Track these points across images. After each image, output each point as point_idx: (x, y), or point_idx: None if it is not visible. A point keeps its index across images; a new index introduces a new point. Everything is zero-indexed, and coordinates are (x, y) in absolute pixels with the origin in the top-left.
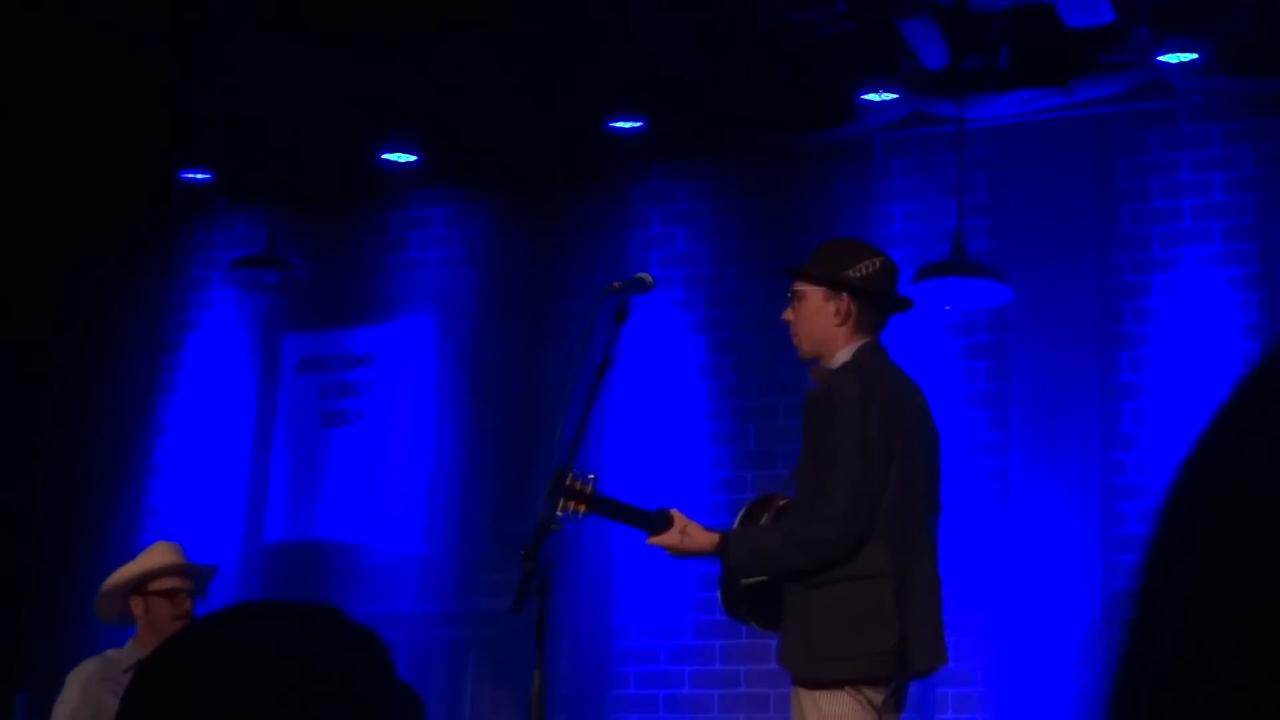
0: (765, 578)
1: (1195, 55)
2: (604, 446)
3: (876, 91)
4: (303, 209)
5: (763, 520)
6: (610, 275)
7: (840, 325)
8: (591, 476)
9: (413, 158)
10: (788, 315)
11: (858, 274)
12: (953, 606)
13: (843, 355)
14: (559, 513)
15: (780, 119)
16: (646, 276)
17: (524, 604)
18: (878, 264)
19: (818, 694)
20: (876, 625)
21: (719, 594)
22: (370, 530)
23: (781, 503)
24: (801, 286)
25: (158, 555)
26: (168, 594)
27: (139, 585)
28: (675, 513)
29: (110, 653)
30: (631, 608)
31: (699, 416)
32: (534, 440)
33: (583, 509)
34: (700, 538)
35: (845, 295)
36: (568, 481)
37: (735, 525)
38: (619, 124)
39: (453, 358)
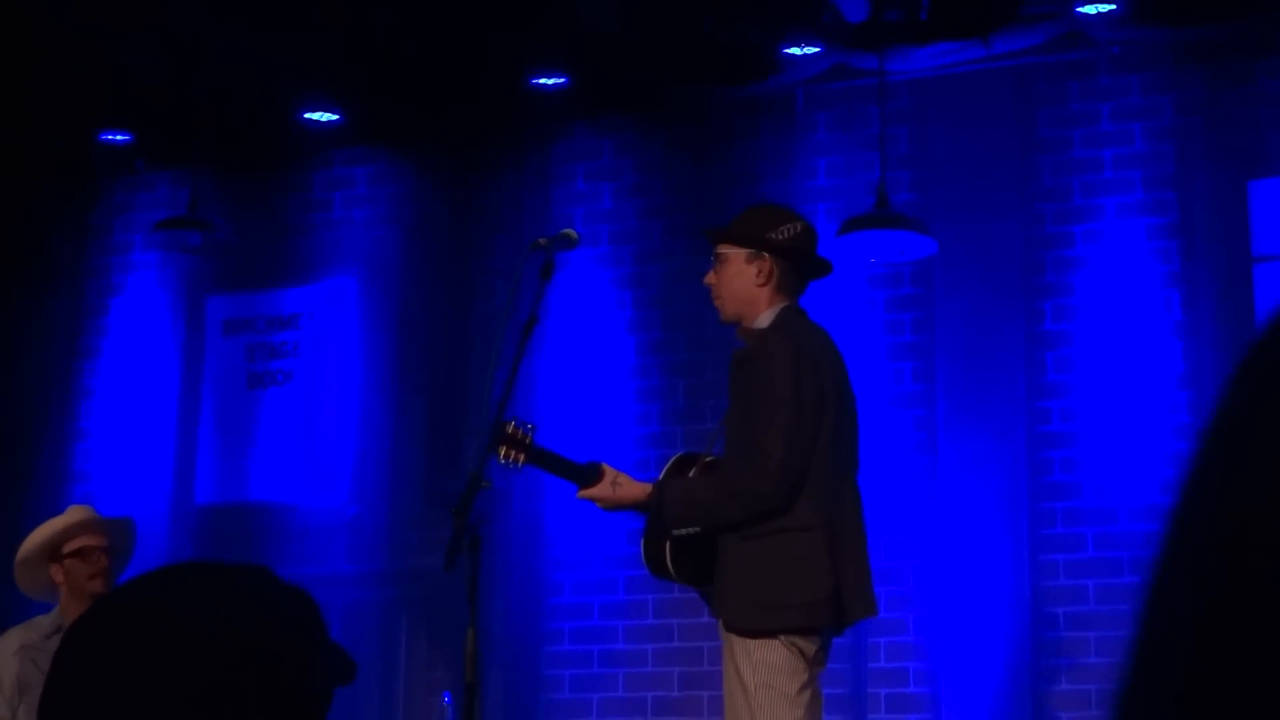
0: (698, 529)
1: (1113, 6)
2: (533, 403)
3: (799, 45)
4: (225, 170)
5: (690, 475)
6: (535, 232)
7: (763, 286)
8: (531, 426)
9: (334, 116)
10: (710, 278)
11: (780, 236)
12: (884, 556)
13: (766, 317)
14: (502, 460)
15: (703, 74)
16: (572, 233)
17: (456, 562)
18: (799, 228)
19: (752, 644)
20: (811, 576)
21: (642, 550)
22: (300, 491)
23: (708, 459)
24: (724, 249)
25: (66, 516)
26: (81, 553)
27: (54, 551)
28: (605, 466)
29: (36, 620)
30: (564, 564)
31: (626, 372)
32: (462, 398)
33: (521, 458)
34: (632, 489)
35: (768, 257)
36: (509, 430)
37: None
38: (541, 80)
39: (379, 317)
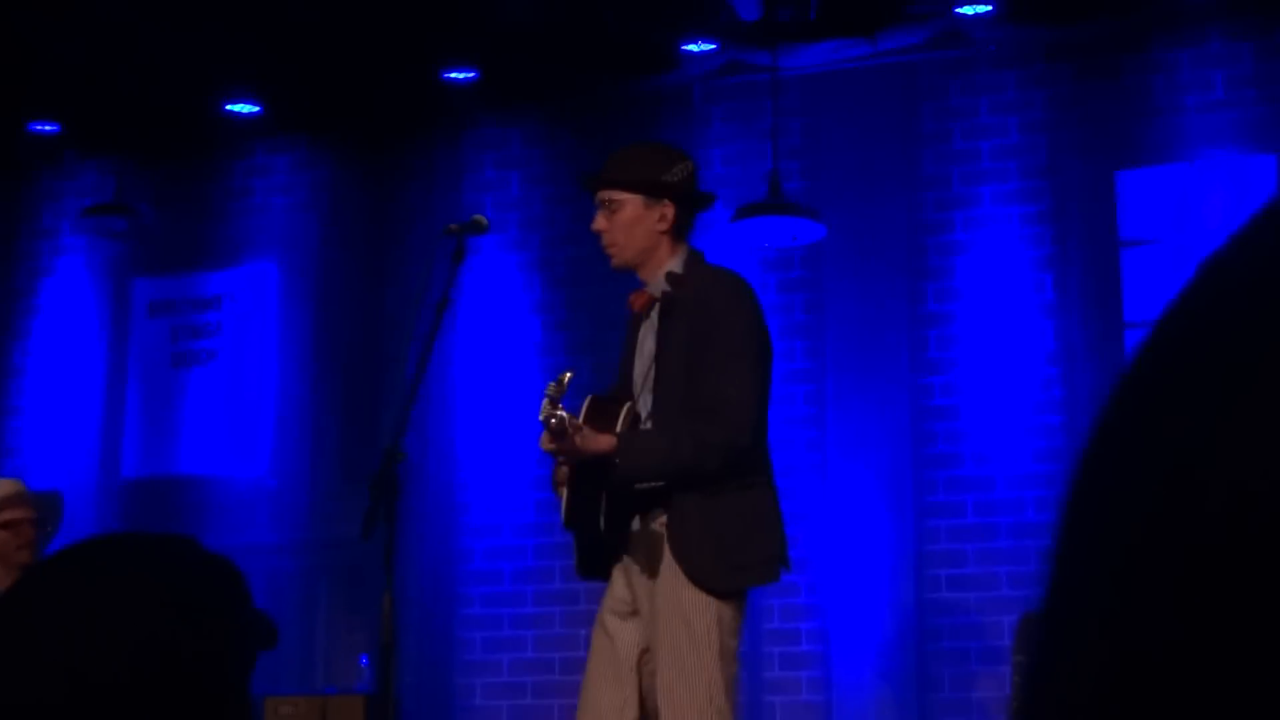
0: (659, 483)
1: (989, 7)
2: (446, 379)
3: (696, 42)
4: (150, 158)
5: (619, 427)
6: (447, 218)
7: (665, 233)
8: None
9: (255, 108)
10: (601, 224)
11: (675, 179)
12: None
13: (673, 264)
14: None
15: (606, 68)
16: (482, 219)
17: (373, 531)
18: (689, 167)
19: (719, 603)
20: (775, 529)
21: (566, 503)
22: (223, 464)
23: (638, 410)
24: (618, 194)
25: None
26: (10, 525)
27: None
28: (568, 416)
29: None
30: (476, 531)
31: (533, 350)
32: (378, 377)
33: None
34: (599, 440)
35: (668, 201)
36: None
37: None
38: (453, 74)
39: (298, 299)
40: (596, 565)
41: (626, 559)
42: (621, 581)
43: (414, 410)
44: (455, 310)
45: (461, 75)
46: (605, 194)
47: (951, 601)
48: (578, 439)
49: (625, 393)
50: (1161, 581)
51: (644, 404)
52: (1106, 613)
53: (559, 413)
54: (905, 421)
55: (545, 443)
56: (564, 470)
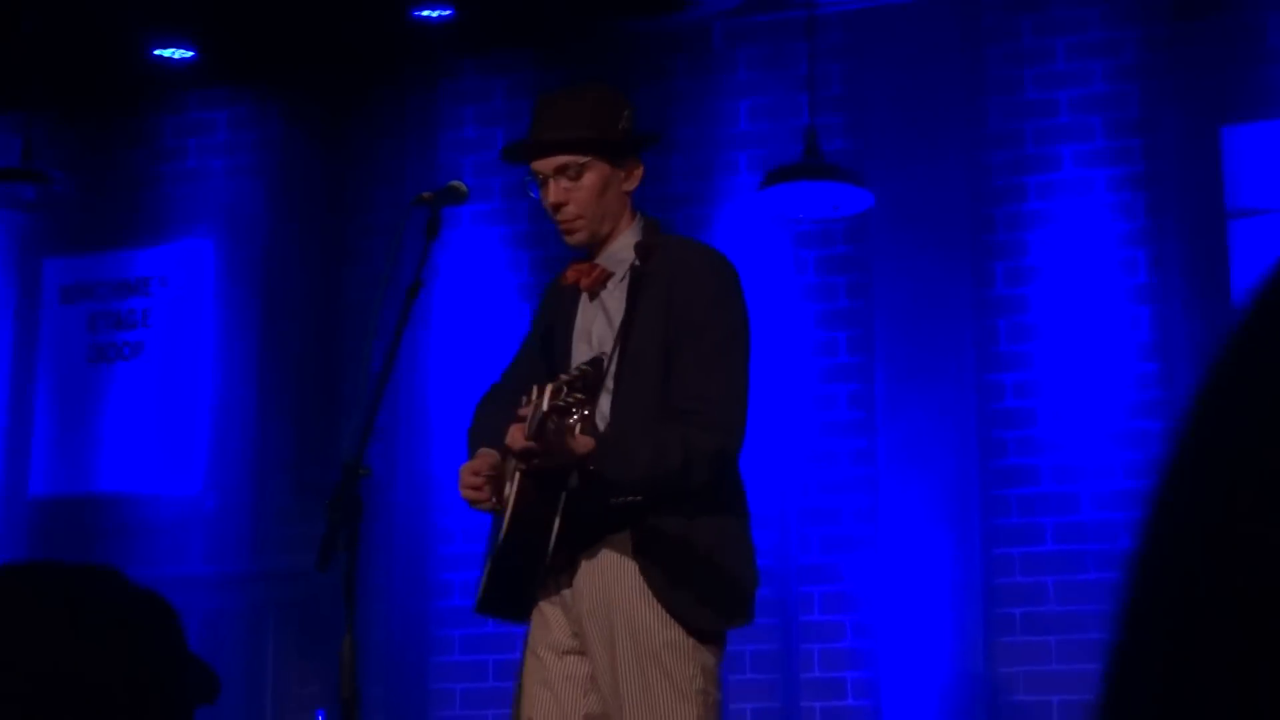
0: (638, 498)
1: None
2: (418, 378)
3: None
4: (63, 114)
5: (575, 427)
6: (419, 185)
7: (629, 193)
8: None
9: (189, 53)
10: (560, 195)
11: (630, 125)
12: (816, 552)
13: (630, 234)
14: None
15: (606, 5)
16: (460, 185)
17: (330, 560)
18: (632, 109)
19: (703, 647)
20: (752, 559)
21: (511, 510)
22: (150, 481)
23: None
24: (578, 157)
25: None
26: None
27: None
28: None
29: None
30: (454, 563)
31: (520, 341)
32: (336, 375)
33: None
34: (585, 442)
35: (633, 158)
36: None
37: (532, 425)
38: (425, 12)
39: (241, 282)
40: (514, 601)
41: (568, 594)
42: (561, 621)
43: (380, 416)
44: (429, 296)
45: (435, 13)
46: (561, 159)
47: (1027, 647)
48: (568, 440)
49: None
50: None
51: (603, 402)
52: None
53: (572, 418)
54: (971, 428)
55: (523, 440)
56: (506, 480)
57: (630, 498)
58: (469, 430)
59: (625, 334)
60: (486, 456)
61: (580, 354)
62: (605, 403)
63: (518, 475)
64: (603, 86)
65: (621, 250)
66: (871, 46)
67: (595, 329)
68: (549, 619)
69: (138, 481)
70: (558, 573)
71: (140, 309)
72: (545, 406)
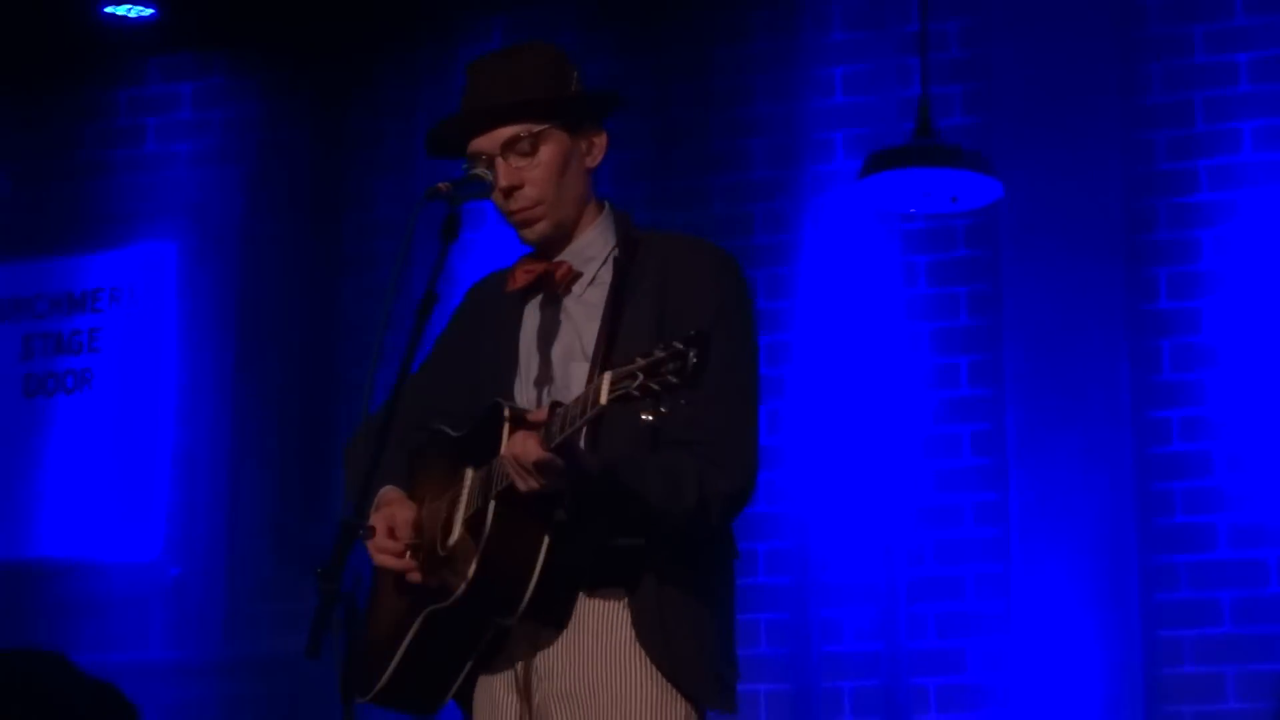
0: (640, 540)
1: None
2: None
3: None
4: None
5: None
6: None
7: (593, 169)
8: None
9: (148, 10)
10: (513, 178)
11: (580, 85)
12: (932, 634)
13: (602, 225)
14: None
15: None
16: (485, 173)
17: (323, 644)
18: (580, 72)
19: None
20: (734, 641)
21: (488, 541)
22: (100, 544)
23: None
24: (531, 126)
25: None
26: None
27: None
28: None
29: None
30: None
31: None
32: (328, 411)
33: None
34: (589, 460)
35: (596, 126)
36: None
37: (561, 424)
38: None
39: (212, 296)
40: (434, 684)
41: (536, 666)
42: (514, 709)
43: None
44: (447, 312)
45: None
46: (509, 130)
47: None
48: (576, 456)
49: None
50: None
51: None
52: None
53: (646, 414)
54: (1127, 479)
55: (547, 453)
56: (402, 513)
57: (629, 539)
58: (346, 450)
59: (608, 344)
60: (401, 506)
61: (532, 370)
62: (580, 432)
63: (492, 505)
64: (541, 43)
65: (590, 245)
66: None
67: (559, 340)
68: (499, 705)
69: (84, 545)
70: (515, 642)
71: (86, 330)
72: (605, 399)
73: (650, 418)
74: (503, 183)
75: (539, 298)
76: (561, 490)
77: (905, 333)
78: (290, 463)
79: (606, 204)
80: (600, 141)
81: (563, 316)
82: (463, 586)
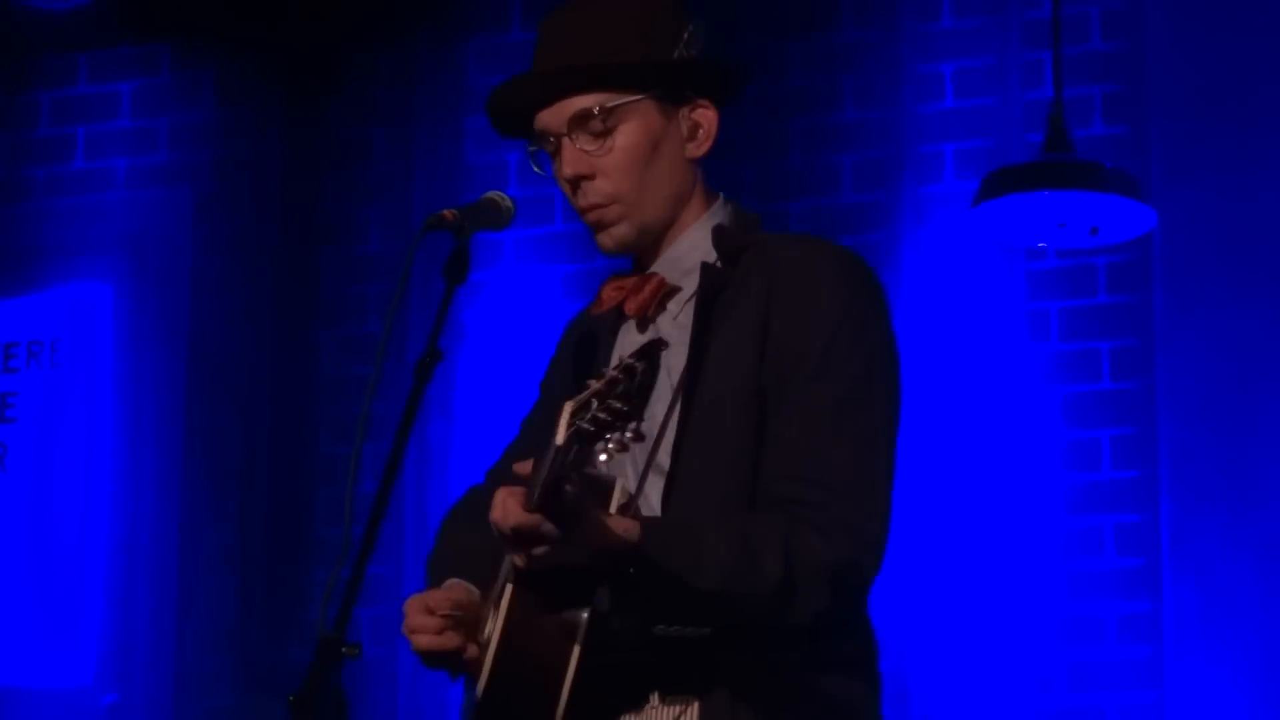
0: (705, 628)
1: None
2: (435, 487)
3: None
4: None
5: (613, 492)
6: (438, 199)
7: (700, 158)
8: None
9: None
10: (579, 166)
11: (692, 50)
12: None
13: (705, 224)
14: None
15: None
16: (500, 198)
17: None
18: (699, 25)
19: None
20: None
21: (496, 691)
22: (20, 667)
23: (639, 500)
24: (609, 97)
25: None
26: None
27: None
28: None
29: None
30: None
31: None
32: (301, 496)
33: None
34: (615, 524)
35: (700, 99)
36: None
37: (537, 482)
38: None
39: (156, 352)
40: None
41: None
42: None
43: (377, 564)
44: (450, 371)
45: None
46: (579, 103)
47: None
48: (598, 517)
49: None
50: None
51: (644, 488)
52: None
53: (607, 450)
54: None
55: (527, 515)
56: (454, 594)
57: (690, 627)
58: (430, 556)
59: (691, 379)
60: (454, 590)
61: None
62: (655, 490)
63: (509, 589)
64: None
65: (692, 252)
66: None
67: None
68: None
69: (5, 666)
70: None
71: (4, 393)
72: (561, 439)
73: (605, 458)
74: (567, 171)
75: (633, 321)
76: (596, 567)
77: (1032, 399)
78: (253, 563)
79: (720, 198)
80: (708, 121)
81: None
82: (480, 687)
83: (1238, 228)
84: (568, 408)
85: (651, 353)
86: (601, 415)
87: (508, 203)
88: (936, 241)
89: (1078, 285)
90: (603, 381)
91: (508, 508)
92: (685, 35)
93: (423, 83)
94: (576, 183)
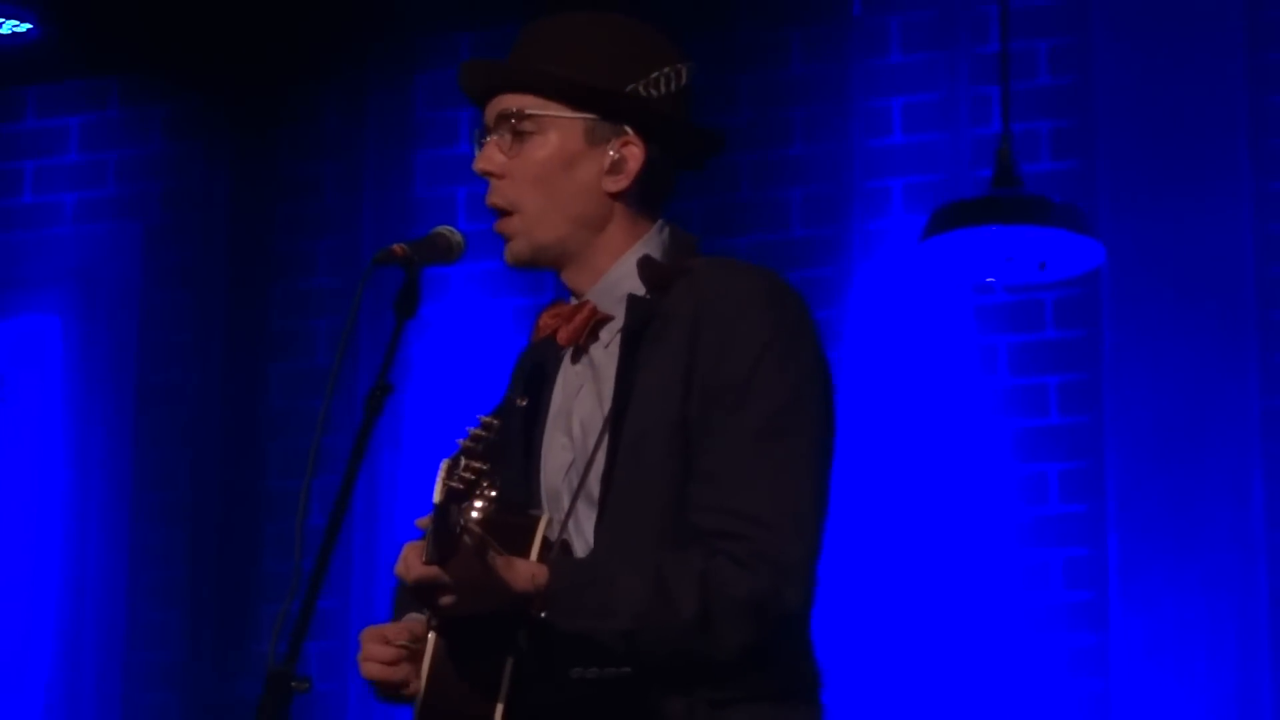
0: (625, 668)
1: None
2: (384, 529)
3: None
4: None
5: (531, 557)
6: (386, 234)
7: (621, 195)
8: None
9: (24, 25)
10: (487, 163)
11: (655, 91)
12: None
13: (630, 257)
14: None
15: None
16: (450, 232)
17: None
18: (683, 73)
19: None
20: None
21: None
22: None
23: (566, 533)
24: (533, 104)
25: None
26: None
27: None
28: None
29: None
30: None
31: None
32: (250, 531)
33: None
34: (520, 567)
35: (632, 132)
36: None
37: (432, 538)
38: None
39: (104, 386)
40: None
41: None
42: None
43: (327, 598)
44: (399, 403)
45: None
46: (507, 102)
47: None
48: (493, 563)
49: (519, 500)
50: None
51: (578, 519)
52: None
53: (475, 509)
54: (1262, 619)
55: (425, 568)
56: (411, 626)
57: (609, 668)
58: (395, 589)
59: (617, 413)
60: (412, 624)
61: (558, 452)
62: (588, 520)
63: (431, 636)
64: (636, 22)
65: (622, 281)
66: (1100, 11)
67: (579, 407)
68: None
69: None
70: None
71: None
72: (438, 497)
73: (478, 515)
74: (478, 164)
75: (571, 351)
76: (510, 612)
77: (981, 434)
78: (202, 598)
79: (655, 224)
80: (634, 159)
81: (587, 375)
82: None
83: (1186, 262)
84: (443, 466)
85: (490, 427)
86: (466, 475)
87: (458, 237)
88: (885, 276)
89: (1026, 320)
90: (469, 435)
91: (409, 562)
92: (656, 74)
93: (372, 117)
94: (487, 176)
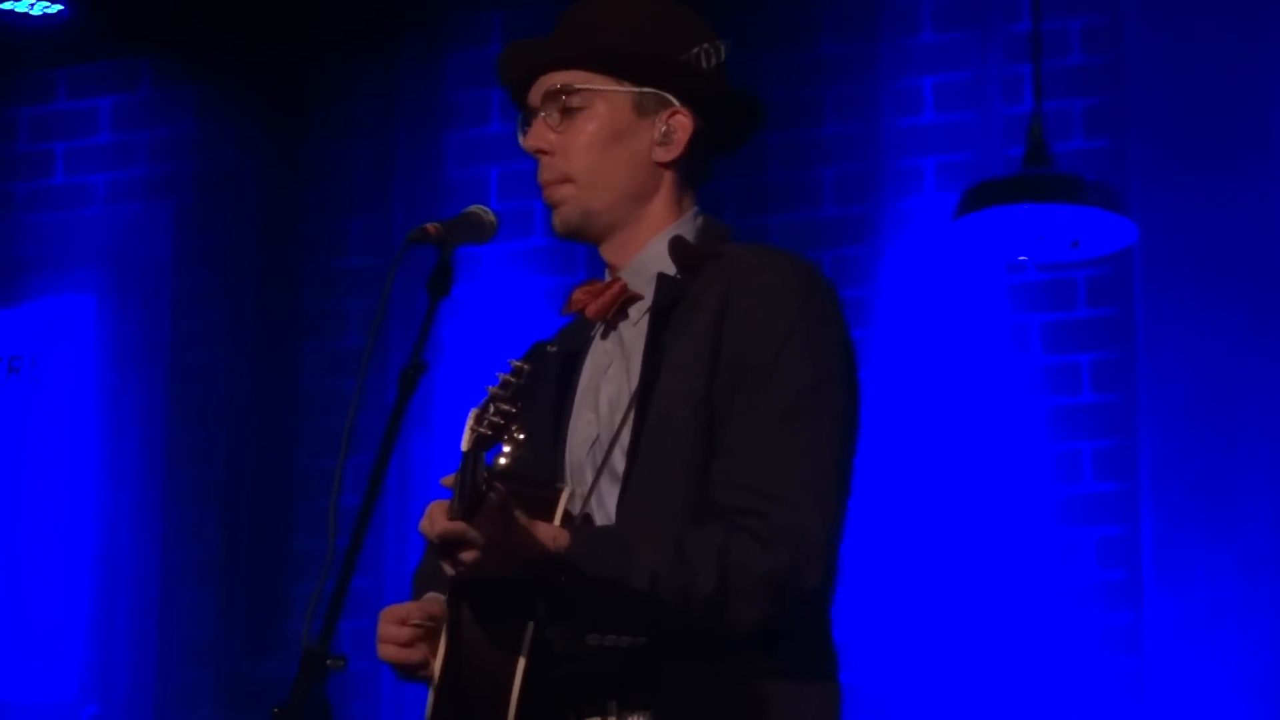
0: (640, 638)
1: None
2: (416, 505)
3: None
4: None
5: (546, 503)
6: (417, 212)
7: (669, 166)
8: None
9: (56, 7)
10: (542, 141)
11: (699, 62)
12: None
13: (673, 230)
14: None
15: None
16: (483, 211)
17: None
18: (721, 50)
19: None
20: None
21: (445, 703)
22: (4, 679)
23: (589, 506)
24: (583, 80)
25: None
26: None
27: None
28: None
29: None
30: None
31: None
32: (283, 511)
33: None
34: (540, 529)
35: (680, 105)
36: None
37: (460, 492)
38: None
39: (138, 366)
40: None
41: None
42: None
43: (361, 577)
44: (432, 384)
45: None
46: (553, 79)
47: None
48: (511, 524)
49: (543, 474)
50: None
51: (600, 495)
52: None
53: (504, 454)
54: None
55: (450, 523)
56: (428, 606)
57: (624, 636)
58: (415, 573)
59: (644, 390)
60: (429, 603)
61: (577, 426)
62: (611, 496)
63: (451, 605)
64: (674, 3)
65: (654, 261)
66: None
67: (607, 384)
68: None
69: None
70: None
71: None
72: (466, 444)
73: (505, 461)
74: (529, 143)
75: (601, 329)
76: (529, 576)
77: (1014, 413)
78: (234, 576)
79: (694, 211)
80: (682, 129)
81: (616, 352)
82: (430, 703)
83: (1218, 240)
84: (471, 415)
85: (520, 372)
86: (495, 419)
87: (491, 217)
88: (917, 255)
89: (1059, 298)
90: (497, 385)
91: (433, 517)
92: (699, 50)
93: (403, 97)
94: (539, 156)
